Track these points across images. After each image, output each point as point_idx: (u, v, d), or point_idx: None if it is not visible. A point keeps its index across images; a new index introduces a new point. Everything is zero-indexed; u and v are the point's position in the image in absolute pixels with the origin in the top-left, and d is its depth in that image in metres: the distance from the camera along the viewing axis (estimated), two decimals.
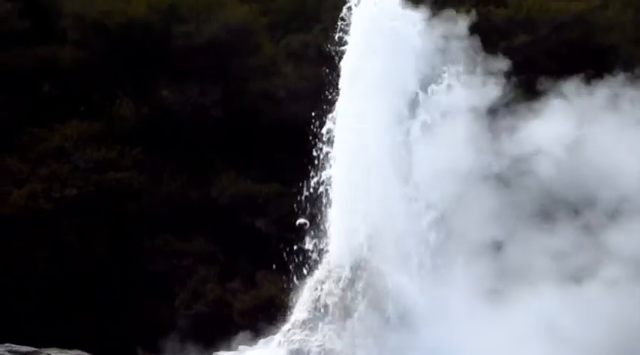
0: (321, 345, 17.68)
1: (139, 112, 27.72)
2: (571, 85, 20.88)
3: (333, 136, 19.16)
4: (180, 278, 24.56)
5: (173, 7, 28.77)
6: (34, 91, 28.06)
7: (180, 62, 27.87)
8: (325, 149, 19.60)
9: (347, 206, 18.92)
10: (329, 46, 20.00)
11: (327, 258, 18.99)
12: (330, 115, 19.01)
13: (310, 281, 19.03)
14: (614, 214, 19.62)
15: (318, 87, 20.17)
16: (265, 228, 25.50)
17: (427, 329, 17.07)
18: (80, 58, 28.21)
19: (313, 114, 19.63)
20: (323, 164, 19.37)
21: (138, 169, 26.12)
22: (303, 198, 19.96)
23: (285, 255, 21.46)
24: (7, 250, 24.13)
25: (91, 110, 27.61)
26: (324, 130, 19.06)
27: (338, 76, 18.99)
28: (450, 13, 20.38)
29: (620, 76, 21.56)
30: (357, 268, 18.74)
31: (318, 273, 18.95)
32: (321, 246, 19.34)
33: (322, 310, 18.43)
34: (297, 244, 20.97)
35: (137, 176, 25.96)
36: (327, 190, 19.31)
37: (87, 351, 20.35)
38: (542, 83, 22.32)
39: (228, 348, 19.63)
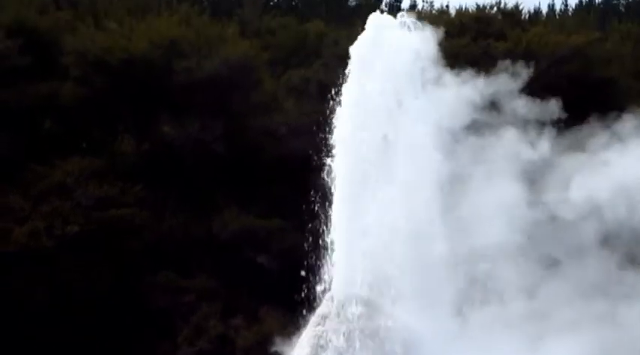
0: None
1: (141, 148, 27.71)
2: None
3: (334, 173, 19.51)
4: (182, 314, 24.47)
5: (174, 42, 28.89)
6: (36, 128, 28.09)
7: (182, 98, 27.91)
8: (327, 186, 19.89)
9: (349, 244, 19.13)
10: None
11: (329, 294, 19.14)
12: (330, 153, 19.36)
13: (313, 317, 19.21)
14: None
15: (319, 122, 20.46)
16: (267, 264, 25.49)
17: None
18: (82, 94, 28.27)
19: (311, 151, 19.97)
20: (325, 202, 19.60)
21: (139, 206, 26.08)
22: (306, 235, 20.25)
23: (287, 290, 21.71)
24: (8, 287, 24.16)
25: (92, 146, 27.64)
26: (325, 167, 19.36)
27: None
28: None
29: None
30: (358, 305, 18.90)
31: (321, 309, 19.07)
32: (324, 283, 19.56)
33: (324, 346, 18.61)
34: (299, 280, 21.27)
35: (139, 212, 25.93)
36: (329, 228, 19.54)
37: None
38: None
39: None
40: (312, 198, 19.84)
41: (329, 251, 19.40)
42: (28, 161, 26.76)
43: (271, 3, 45.69)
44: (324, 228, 19.41)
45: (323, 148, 19.43)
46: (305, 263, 20.29)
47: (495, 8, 37.90)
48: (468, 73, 20.24)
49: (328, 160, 19.57)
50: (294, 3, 45.66)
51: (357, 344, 18.53)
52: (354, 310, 18.88)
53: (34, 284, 24.40)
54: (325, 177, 19.62)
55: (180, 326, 24.35)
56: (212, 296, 24.99)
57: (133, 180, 26.57)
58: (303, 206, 20.59)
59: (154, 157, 27.60)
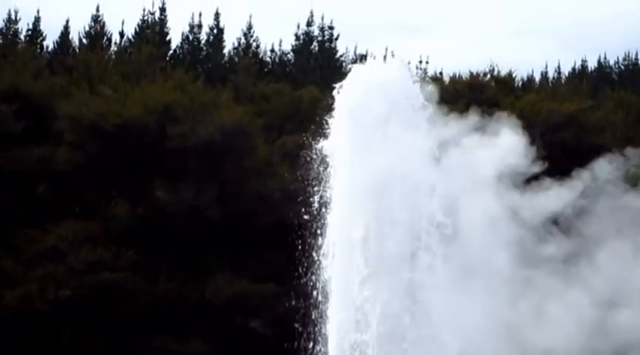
0: None
1: (135, 213, 27.81)
2: None
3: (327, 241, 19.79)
4: None
5: (168, 108, 29.16)
6: (30, 192, 28.26)
7: (176, 163, 28.17)
8: (320, 252, 20.16)
9: (342, 311, 19.40)
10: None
11: None
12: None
13: None
14: None
15: (313, 187, 20.80)
16: (261, 329, 25.57)
17: None
18: (76, 159, 28.44)
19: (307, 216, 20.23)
20: (319, 267, 19.86)
21: (133, 270, 26.13)
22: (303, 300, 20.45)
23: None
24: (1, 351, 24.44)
25: (86, 210, 27.80)
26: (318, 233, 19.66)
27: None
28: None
29: None
30: None
31: None
32: (317, 348, 19.76)
33: None
34: (292, 345, 21.50)
35: (132, 276, 25.96)
36: (325, 297, 19.79)
37: None
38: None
39: None
40: (306, 265, 20.23)
41: (324, 317, 19.82)
42: (22, 225, 26.85)
43: (265, 69, 45.90)
44: (318, 296, 19.77)
45: (316, 213, 19.87)
46: (298, 329, 20.76)
47: (489, 75, 38.50)
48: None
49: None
50: (288, 69, 45.91)
51: None
52: None
53: (26, 348, 24.55)
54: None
55: None
56: None
57: (127, 245, 26.62)
58: (297, 271, 20.93)
59: (148, 222, 27.66)
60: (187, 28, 47.37)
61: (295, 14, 50.08)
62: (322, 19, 45.47)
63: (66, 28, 45.85)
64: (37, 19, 45.88)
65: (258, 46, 48.33)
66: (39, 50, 44.42)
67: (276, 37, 54.01)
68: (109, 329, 25.38)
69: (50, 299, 25.09)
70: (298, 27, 48.01)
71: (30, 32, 45.90)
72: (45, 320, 25.07)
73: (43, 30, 46.07)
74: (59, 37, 45.75)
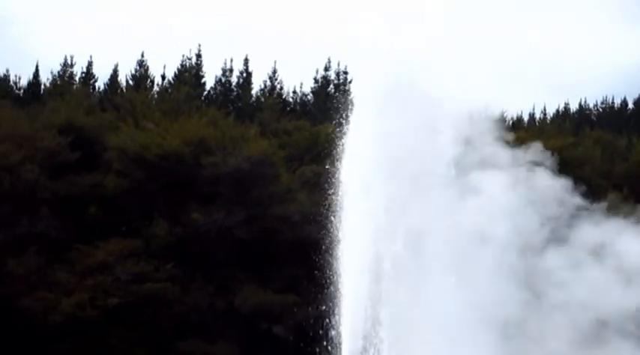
0: None
1: (173, 232, 27.86)
2: None
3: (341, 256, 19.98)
4: None
5: (202, 140, 29.37)
6: (82, 213, 28.30)
7: (208, 189, 28.38)
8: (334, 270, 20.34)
9: (356, 319, 19.58)
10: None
11: None
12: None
13: None
14: None
15: (329, 211, 20.94)
16: (282, 334, 25.62)
17: None
18: (122, 185, 28.75)
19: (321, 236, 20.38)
20: (333, 281, 20.05)
21: (171, 281, 26.33)
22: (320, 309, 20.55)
23: None
24: (57, 353, 24.67)
25: (130, 230, 27.84)
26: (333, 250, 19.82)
27: None
28: None
29: None
30: None
31: None
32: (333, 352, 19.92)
33: None
34: (309, 348, 21.62)
35: (170, 287, 26.15)
36: (339, 307, 19.96)
37: None
38: None
39: None
40: (322, 278, 20.41)
41: (338, 324, 20.00)
42: (75, 242, 27.09)
43: (288, 108, 45.98)
44: (332, 306, 19.93)
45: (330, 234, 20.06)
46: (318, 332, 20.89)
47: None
48: None
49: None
50: (307, 108, 46.01)
51: None
52: None
53: (79, 350, 24.72)
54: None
55: None
56: None
57: (166, 259, 26.89)
58: (315, 283, 21.08)
59: (184, 240, 27.79)
60: (220, 72, 47.51)
61: (314, 61, 50.19)
62: (338, 64, 45.64)
63: (115, 71, 46.11)
64: (90, 64, 46.28)
65: (281, 88, 48.44)
66: (91, 90, 44.67)
67: (298, 80, 54.24)
68: (149, 333, 25.56)
69: (100, 306, 25.37)
70: (317, 72, 48.09)
71: (84, 74, 46.21)
72: (95, 325, 25.13)
73: (95, 73, 46.48)
74: (109, 79, 46.00)
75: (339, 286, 20.02)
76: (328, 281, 20.27)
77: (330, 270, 20.36)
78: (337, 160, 21.33)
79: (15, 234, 26.77)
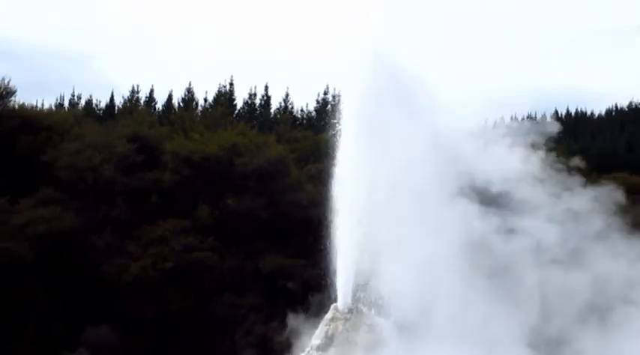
0: None
1: (212, 214, 27.86)
2: None
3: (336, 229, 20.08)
4: (238, 322, 24.69)
5: (234, 146, 29.46)
6: (146, 201, 28.41)
7: (239, 182, 28.46)
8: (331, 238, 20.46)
9: (348, 276, 19.70)
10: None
11: (336, 305, 19.63)
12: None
13: (323, 321, 19.69)
14: None
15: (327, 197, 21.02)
16: (294, 288, 25.60)
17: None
18: (175, 179, 28.72)
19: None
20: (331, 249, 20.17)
21: (211, 251, 26.36)
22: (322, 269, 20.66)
23: (307, 304, 22.21)
24: (127, 305, 24.80)
25: (182, 213, 27.75)
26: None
27: None
28: None
29: None
30: (353, 314, 19.40)
31: (329, 315, 19.58)
32: (333, 300, 20.04)
33: (331, 339, 19.09)
34: (315, 297, 21.76)
35: (211, 255, 26.20)
36: (336, 267, 20.07)
37: None
38: None
39: None
40: (323, 246, 20.53)
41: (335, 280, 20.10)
42: (141, 222, 27.24)
43: (297, 122, 46.44)
44: (331, 267, 20.07)
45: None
46: (320, 286, 21.04)
47: None
48: None
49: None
50: (311, 122, 46.25)
51: (350, 338, 19.09)
52: (349, 316, 19.49)
53: (143, 300, 24.86)
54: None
55: (237, 329, 24.57)
56: (258, 309, 25.24)
57: (207, 235, 26.80)
58: (318, 251, 21.18)
59: (221, 220, 27.78)
60: (247, 96, 47.95)
61: (317, 87, 50.11)
62: (334, 89, 45.62)
63: (170, 96, 46.61)
64: (152, 90, 47.00)
65: (292, 108, 48.84)
66: (152, 110, 45.11)
67: (304, 101, 54.11)
68: (196, 289, 25.62)
69: (159, 269, 25.41)
70: (318, 95, 48.59)
71: (147, 98, 46.73)
72: (155, 283, 25.23)
73: (155, 97, 47.00)
74: (165, 102, 46.48)
75: (335, 252, 20.18)
76: (327, 249, 20.48)
77: (328, 241, 20.55)
78: (332, 159, 21.54)
79: (96, 217, 26.84)
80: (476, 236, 18.23)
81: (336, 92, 45.94)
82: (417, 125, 18.91)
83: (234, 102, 47.26)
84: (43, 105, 38.51)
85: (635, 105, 61.91)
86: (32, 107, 33.32)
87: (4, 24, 71.95)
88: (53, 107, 42.58)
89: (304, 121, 48.02)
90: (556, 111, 58.11)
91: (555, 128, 21.94)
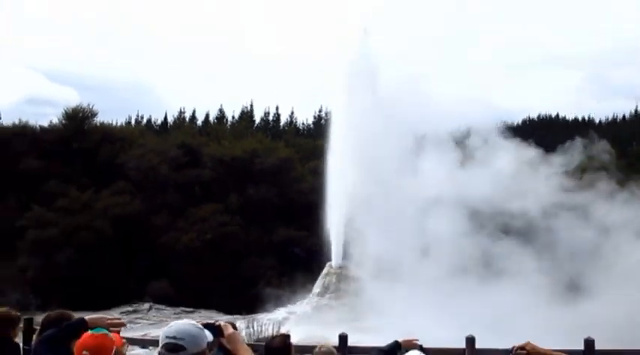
0: (326, 304, 18.61)
1: (239, 200, 27.70)
2: None
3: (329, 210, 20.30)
4: (259, 276, 24.44)
5: (254, 150, 29.42)
6: (191, 191, 28.46)
7: (258, 177, 28.28)
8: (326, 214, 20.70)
9: (339, 243, 19.93)
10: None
11: (330, 263, 19.85)
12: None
13: (321, 275, 19.97)
14: None
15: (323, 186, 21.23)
16: (299, 253, 25.65)
17: (374, 299, 17.09)
18: (212, 175, 28.73)
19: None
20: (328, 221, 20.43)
21: (239, 226, 26.40)
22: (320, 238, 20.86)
23: (310, 266, 22.31)
24: (179, 266, 24.87)
25: (217, 199, 27.68)
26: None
27: None
28: None
29: None
30: (342, 269, 19.63)
31: (324, 271, 19.87)
32: (328, 260, 20.27)
33: (327, 288, 19.35)
34: (315, 260, 21.92)
35: (238, 230, 26.22)
36: (330, 236, 20.30)
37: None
38: None
39: (275, 307, 20.11)
40: (320, 222, 20.78)
41: (330, 247, 20.34)
42: (187, 206, 27.17)
43: (299, 132, 46.57)
44: (328, 238, 20.29)
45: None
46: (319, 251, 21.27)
47: None
48: None
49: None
50: (310, 132, 46.37)
51: (341, 288, 19.29)
52: (340, 272, 19.71)
53: (191, 264, 24.85)
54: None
55: (259, 282, 24.00)
56: (273, 268, 25.24)
57: (235, 215, 26.85)
58: (317, 225, 21.40)
59: (245, 204, 27.59)
60: (263, 114, 48.15)
61: (314, 106, 50.16)
62: (327, 108, 45.93)
63: (207, 115, 46.80)
64: (194, 111, 47.31)
65: (296, 122, 49.06)
66: (194, 125, 45.11)
67: (305, 117, 54.34)
68: (228, 254, 25.53)
69: (201, 239, 25.50)
70: (315, 112, 48.82)
71: (190, 117, 46.79)
72: (199, 250, 25.23)
73: (197, 116, 47.05)
74: (204, 119, 46.60)
75: (328, 227, 20.39)
76: (323, 224, 20.68)
77: (323, 218, 20.74)
78: (325, 159, 21.77)
79: (155, 203, 27.01)
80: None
81: (327, 110, 46.70)
82: (392, 133, 18.62)
83: (254, 119, 47.55)
84: (116, 123, 38.57)
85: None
86: (109, 124, 33.44)
87: (92, 66, 72.47)
88: (124, 124, 42.78)
89: (305, 131, 48.23)
90: None
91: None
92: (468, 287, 15.14)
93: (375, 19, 21.05)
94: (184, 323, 2.59)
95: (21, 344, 4.67)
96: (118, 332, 3.33)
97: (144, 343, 9.61)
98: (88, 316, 3.40)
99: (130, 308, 21.29)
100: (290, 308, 19.49)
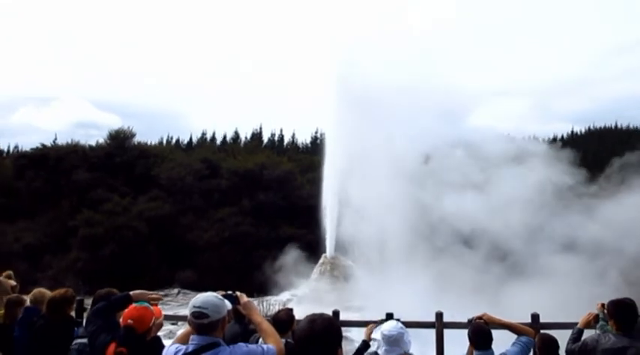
0: (322, 288, 18.51)
1: (250, 204, 27.48)
2: None
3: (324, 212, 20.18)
4: (267, 266, 23.19)
5: (263, 164, 29.21)
6: (211, 197, 28.17)
7: (266, 185, 28.10)
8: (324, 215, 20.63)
9: (332, 238, 19.85)
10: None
11: (325, 255, 19.75)
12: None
13: (317, 264, 19.87)
14: None
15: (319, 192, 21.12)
16: (301, 247, 25.36)
17: (361, 284, 17.14)
18: (228, 184, 28.53)
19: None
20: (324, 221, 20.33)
21: (250, 225, 26.11)
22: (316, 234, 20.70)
23: (310, 254, 22.13)
24: (202, 258, 24.61)
25: (232, 203, 27.48)
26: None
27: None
28: None
29: None
30: (334, 259, 19.54)
31: (321, 261, 19.80)
32: (323, 252, 20.17)
33: (322, 274, 19.24)
34: (313, 252, 21.81)
35: (250, 228, 25.94)
36: (325, 233, 20.19)
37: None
38: None
39: (280, 290, 19.82)
40: (319, 221, 20.67)
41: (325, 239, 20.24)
42: (208, 209, 27.05)
43: (300, 150, 46.46)
44: (324, 235, 20.17)
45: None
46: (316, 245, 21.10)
47: None
48: None
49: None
50: (308, 150, 46.29)
51: (335, 274, 19.21)
52: (333, 261, 19.63)
53: (212, 256, 24.67)
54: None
55: (267, 271, 22.95)
56: (279, 259, 24.24)
57: (247, 216, 26.59)
58: (314, 224, 21.32)
59: (256, 207, 27.36)
60: (270, 135, 48.13)
61: (311, 130, 50.13)
62: (322, 131, 45.86)
63: (224, 136, 46.58)
64: (214, 133, 47.23)
65: (297, 141, 48.93)
66: (215, 143, 44.97)
67: (304, 137, 54.21)
68: (241, 248, 25.24)
69: (220, 236, 25.34)
70: (312, 135, 48.79)
71: (211, 138, 46.61)
72: (218, 245, 25.06)
73: (216, 137, 46.71)
74: (222, 139, 46.31)
75: (325, 225, 20.30)
76: (320, 223, 20.59)
77: (320, 219, 20.67)
78: (321, 171, 21.73)
79: (182, 206, 26.85)
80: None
81: (322, 132, 46.84)
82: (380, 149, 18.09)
83: (262, 139, 47.61)
84: (151, 142, 38.56)
85: None
86: (145, 143, 33.55)
87: (131, 96, 72.62)
88: (157, 143, 42.78)
89: (304, 149, 48.10)
90: None
91: None
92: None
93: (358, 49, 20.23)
94: (208, 295, 2.64)
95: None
96: (157, 305, 3.33)
97: (174, 320, 9.55)
98: (132, 292, 3.41)
99: (161, 293, 20.84)
100: (292, 291, 19.43)
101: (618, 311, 3.50)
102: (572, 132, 56.21)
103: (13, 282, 5.22)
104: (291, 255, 24.33)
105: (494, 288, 13.65)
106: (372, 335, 4.25)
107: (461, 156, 18.30)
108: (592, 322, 3.90)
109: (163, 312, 3.29)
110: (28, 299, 4.84)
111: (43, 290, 4.83)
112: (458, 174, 16.98)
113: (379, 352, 3.42)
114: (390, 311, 4.48)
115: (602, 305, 3.77)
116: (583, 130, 55.07)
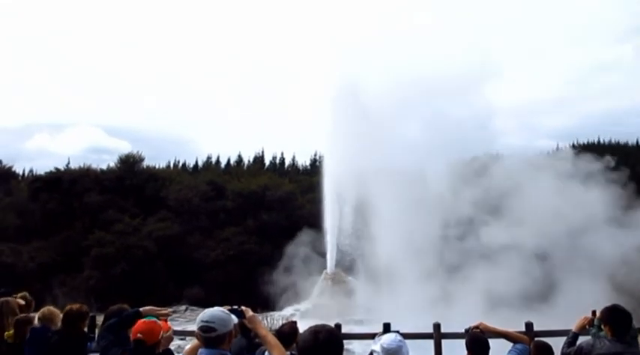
0: (324, 303, 18.29)
1: (254, 224, 27.37)
2: None
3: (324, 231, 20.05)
4: (271, 283, 23.11)
5: (266, 185, 29.15)
6: (216, 217, 27.98)
7: (268, 205, 27.99)
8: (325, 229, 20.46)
9: (332, 255, 19.70)
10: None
11: (325, 271, 19.57)
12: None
13: (319, 280, 19.68)
14: None
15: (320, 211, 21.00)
16: (303, 263, 25.24)
17: (361, 298, 17.12)
18: (233, 205, 28.38)
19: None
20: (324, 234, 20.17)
21: (255, 244, 25.94)
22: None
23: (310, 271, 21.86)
24: (208, 275, 24.41)
25: (237, 223, 27.40)
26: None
27: None
28: None
29: None
30: (335, 275, 19.37)
31: (322, 276, 19.62)
32: (324, 268, 19.97)
33: (324, 289, 19.06)
34: (315, 269, 21.53)
35: (254, 246, 25.76)
36: (325, 250, 20.02)
37: None
38: None
39: (280, 308, 19.52)
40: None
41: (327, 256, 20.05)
42: (214, 229, 26.88)
43: (299, 172, 46.32)
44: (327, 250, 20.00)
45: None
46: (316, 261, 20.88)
47: None
48: None
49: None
50: (307, 172, 46.15)
51: (335, 290, 18.96)
52: (334, 277, 19.43)
53: (218, 273, 24.45)
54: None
55: (271, 286, 22.53)
56: (282, 275, 24.27)
57: (252, 235, 26.45)
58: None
59: (259, 226, 27.22)
60: (271, 158, 48.03)
61: (310, 153, 50.19)
62: (320, 153, 45.57)
63: (228, 159, 46.44)
64: (218, 157, 46.52)
65: (297, 163, 48.82)
66: (219, 166, 44.89)
67: (304, 160, 54.25)
68: (246, 266, 25.00)
69: (225, 254, 25.17)
70: (311, 157, 48.53)
71: (216, 160, 46.54)
72: (223, 262, 24.92)
73: (220, 160, 46.65)
74: (226, 163, 46.23)
75: (326, 234, 20.12)
76: (322, 233, 20.39)
77: (322, 231, 20.49)
78: (320, 192, 21.70)
79: (189, 226, 26.72)
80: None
81: (320, 155, 46.86)
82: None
83: (264, 161, 47.33)
84: (159, 165, 38.58)
85: None
86: (153, 167, 33.66)
87: (140, 122, 73.00)
88: (165, 167, 42.68)
89: (304, 171, 47.53)
90: None
91: None
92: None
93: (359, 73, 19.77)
94: (215, 309, 2.63)
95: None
96: (166, 320, 3.29)
97: (182, 335, 9.36)
98: (142, 308, 3.37)
99: (170, 310, 20.63)
100: (295, 306, 19.21)
101: (613, 318, 3.45)
102: (558, 148, 56.41)
103: (21, 301, 5.10)
104: (294, 272, 24.38)
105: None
106: (372, 347, 4.15)
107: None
108: (587, 326, 3.84)
109: (172, 328, 3.25)
110: (36, 317, 4.75)
111: (52, 308, 4.75)
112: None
113: None
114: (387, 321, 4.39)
115: (594, 312, 3.72)
116: (568, 146, 55.21)
